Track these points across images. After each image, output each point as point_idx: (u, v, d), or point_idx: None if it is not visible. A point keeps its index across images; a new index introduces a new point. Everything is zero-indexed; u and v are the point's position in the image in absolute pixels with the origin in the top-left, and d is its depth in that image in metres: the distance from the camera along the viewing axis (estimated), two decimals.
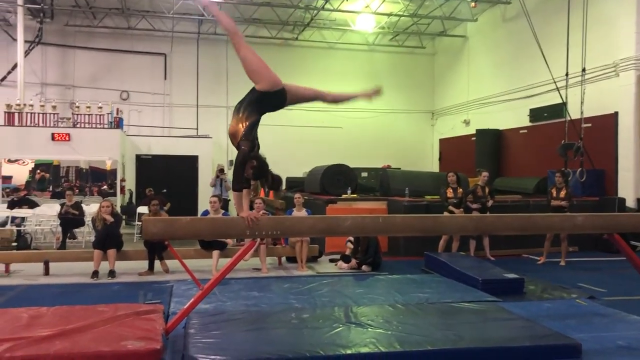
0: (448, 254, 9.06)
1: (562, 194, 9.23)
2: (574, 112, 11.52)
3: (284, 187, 4.32)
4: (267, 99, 4.47)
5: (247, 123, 4.36)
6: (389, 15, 16.18)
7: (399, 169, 16.14)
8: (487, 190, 9.75)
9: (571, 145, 11.28)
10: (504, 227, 5.34)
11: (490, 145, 15.14)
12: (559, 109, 12.40)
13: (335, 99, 4.72)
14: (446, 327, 4.83)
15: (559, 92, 11.66)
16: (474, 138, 15.68)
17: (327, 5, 15.15)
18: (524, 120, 14.26)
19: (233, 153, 17.51)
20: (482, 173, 9.96)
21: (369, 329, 4.73)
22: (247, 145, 4.25)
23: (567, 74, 11.51)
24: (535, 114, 13.85)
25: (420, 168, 16.87)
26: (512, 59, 14.97)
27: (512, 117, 14.80)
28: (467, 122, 17.10)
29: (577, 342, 4.41)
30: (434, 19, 16.75)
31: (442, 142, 18.71)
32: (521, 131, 14.44)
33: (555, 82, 11.68)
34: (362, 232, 6.34)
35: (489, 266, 7.99)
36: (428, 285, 7.09)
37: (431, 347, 4.25)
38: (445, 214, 9.00)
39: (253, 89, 4.49)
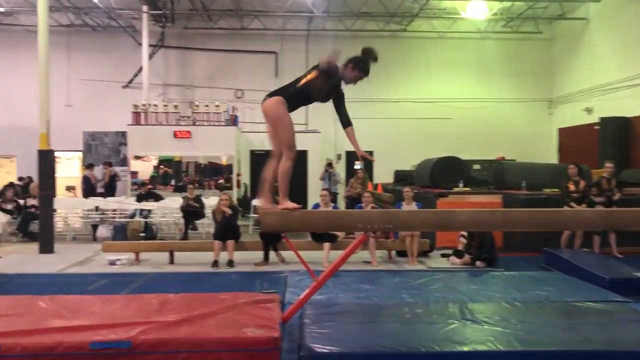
0: (570, 250, 8.57)
1: None
2: None
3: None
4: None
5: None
6: (503, 0, 15.51)
7: (514, 160, 15.49)
8: (613, 182, 9.09)
9: None
10: (635, 221, 4.94)
11: (616, 135, 14.06)
12: None
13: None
14: (570, 328, 4.57)
15: None
16: (597, 127, 14.64)
17: None
18: None
19: (341, 147, 17.64)
20: (607, 164, 9.29)
21: (486, 327, 4.58)
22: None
23: None
24: None
25: (537, 160, 16.04)
26: None
27: None
28: (589, 110, 16.00)
29: None
30: (552, 2, 15.82)
31: (562, 131, 17.66)
32: None
33: None
34: (478, 227, 6.15)
35: (617, 264, 7.46)
36: (548, 283, 6.72)
37: (555, 348, 4.03)
38: (566, 209, 8.52)
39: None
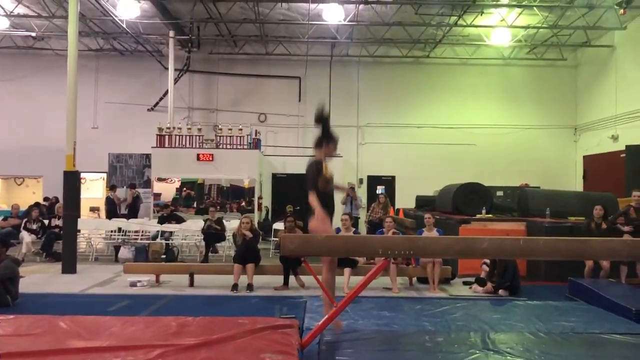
0: (595, 280, 8.35)
1: None
2: None
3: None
4: None
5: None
6: (526, 28, 15.50)
7: (538, 187, 15.29)
8: None
9: None
10: None
11: None
12: None
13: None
14: None
15: None
16: (623, 155, 14.41)
17: (460, 22, 14.87)
18: None
19: (363, 172, 17.70)
20: (635, 193, 9.09)
21: (509, 357, 4.49)
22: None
23: None
24: None
25: (561, 187, 15.82)
26: None
27: None
28: (615, 138, 15.79)
29: None
30: (576, 30, 15.75)
31: (586, 159, 17.42)
32: None
33: None
34: (501, 255, 6.05)
35: None
36: (573, 314, 6.57)
37: None
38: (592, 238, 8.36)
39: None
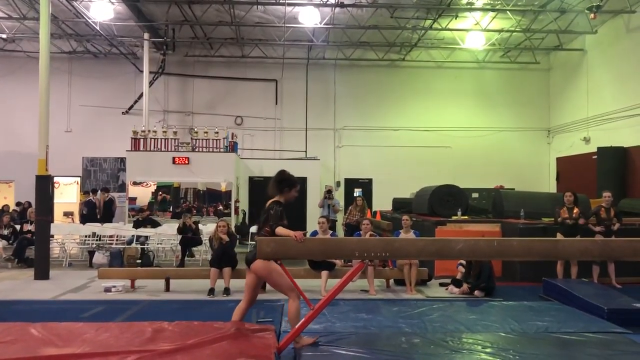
0: (569, 280, 8.50)
1: None
2: None
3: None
4: None
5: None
6: (500, 31, 15.72)
7: (513, 189, 15.49)
8: (612, 212, 9.07)
9: None
10: (633, 253, 4.92)
11: (614, 164, 14.10)
12: None
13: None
14: (568, 359, 4.51)
15: None
16: (595, 156, 14.70)
17: (435, 25, 15.02)
18: None
19: (340, 174, 17.70)
20: (605, 194, 9.28)
21: (484, 357, 4.53)
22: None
23: None
24: None
25: (535, 188, 16.07)
26: (637, 72, 13.92)
27: (638, 133, 13.72)
28: (587, 140, 16.09)
29: None
30: (549, 33, 16.03)
31: (560, 161, 17.72)
32: None
33: None
34: (475, 256, 6.12)
35: (616, 294, 7.40)
36: (547, 314, 6.66)
37: None
38: (558, 235, 8.51)
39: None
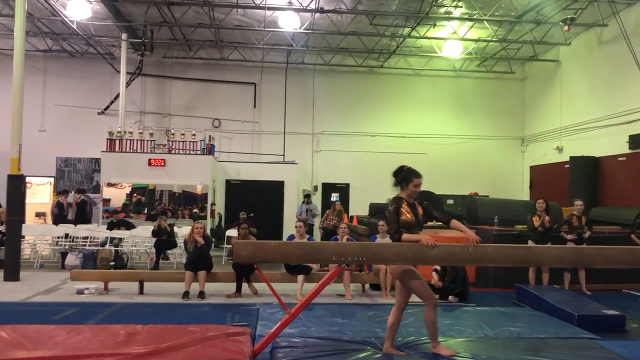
0: (541, 286, 8.64)
1: None
2: None
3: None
4: None
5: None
6: (477, 41, 15.94)
7: (487, 196, 15.68)
8: (583, 220, 9.25)
9: None
10: (603, 260, 5.02)
11: (586, 173, 14.39)
12: None
13: None
14: None
15: None
16: (567, 165, 14.98)
17: (414, 33, 15.16)
18: (622, 147, 13.47)
19: (318, 179, 17.78)
20: (577, 202, 9.47)
21: None
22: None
23: None
24: (635, 140, 13.04)
25: (509, 196, 16.29)
26: (609, 83, 14.26)
27: (609, 143, 14.03)
28: (560, 149, 16.39)
29: None
30: (524, 44, 16.31)
31: (533, 169, 18.02)
32: (619, 158, 13.63)
33: None
34: (450, 261, 6.17)
35: (586, 301, 7.54)
36: (519, 319, 6.77)
37: None
38: (530, 242, 8.66)
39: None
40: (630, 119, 13.20)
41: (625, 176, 13.40)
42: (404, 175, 4.90)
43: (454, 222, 4.82)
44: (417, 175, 4.86)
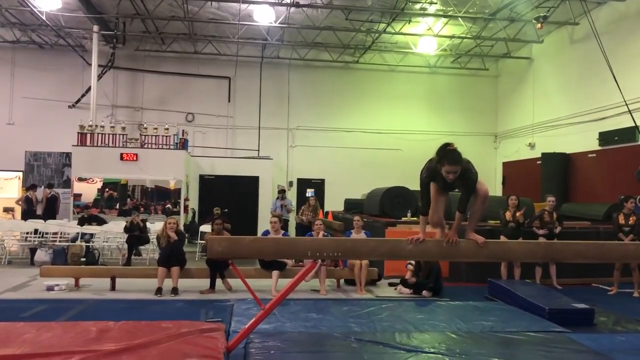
0: (512, 281, 8.76)
1: (632, 220, 8.79)
2: None
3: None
4: None
5: None
6: (452, 37, 16.05)
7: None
8: (554, 216, 9.41)
9: None
10: (574, 255, 5.10)
11: (557, 170, 14.63)
12: (631, 133, 11.93)
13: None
14: (511, 358, 4.66)
15: (632, 116, 11.17)
16: (539, 162, 15.21)
17: (389, 29, 15.20)
18: (592, 144, 13.74)
19: (293, 174, 17.68)
20: (549, 198, 9.62)
21: (431, 356, 4.61)
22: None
23: None
24: (605, 137, 13.32)
25: None
26: (580, 81, 14.51)
27: (580, 140, 14.29)
28: (532, 146, 16.63)
29: None
30: (498, 41, 16.48)
31: (506, 165, 18.25)
32: (590, 155, 13.91)
33: (627, 105, 11.20)
34: (424, 257, 6.22)
35: (557, 295, 7.68)
36: (492, 313, 6.85)
37: None
38: (502, 238, 8.77)
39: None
40: (600, 116, 13.45)
41: (595, 172, 13.66)
42: (439, 156, 4.80)
43: (457, 215, 4.83)
44: (449, 162, 4.76)
